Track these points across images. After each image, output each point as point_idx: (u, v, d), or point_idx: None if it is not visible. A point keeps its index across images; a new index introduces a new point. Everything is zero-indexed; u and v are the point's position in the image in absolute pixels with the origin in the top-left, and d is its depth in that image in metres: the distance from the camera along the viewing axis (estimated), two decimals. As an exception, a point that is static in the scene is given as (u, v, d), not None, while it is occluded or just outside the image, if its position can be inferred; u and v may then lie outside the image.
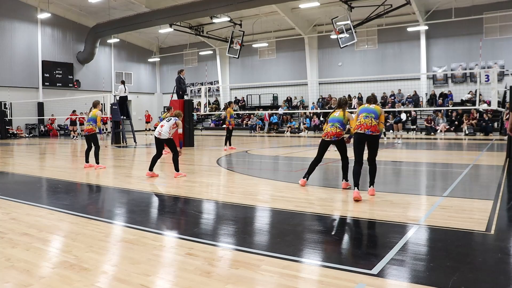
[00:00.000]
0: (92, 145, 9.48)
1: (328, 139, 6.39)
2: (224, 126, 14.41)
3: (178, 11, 22.06)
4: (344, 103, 6.56)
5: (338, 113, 6.45)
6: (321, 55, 27.18)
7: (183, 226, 4.62)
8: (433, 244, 3.80)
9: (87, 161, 9.56)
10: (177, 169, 7.98)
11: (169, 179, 7.84)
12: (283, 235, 4.12)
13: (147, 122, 25.77)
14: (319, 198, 5.90)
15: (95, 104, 9.67)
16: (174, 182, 7.47)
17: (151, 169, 8.01)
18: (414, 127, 21.74)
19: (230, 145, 13.90)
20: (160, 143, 8.01)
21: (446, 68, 23.09)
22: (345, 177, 6.50)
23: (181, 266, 3.27)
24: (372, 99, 6.14)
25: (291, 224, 4.56)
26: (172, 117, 8.08)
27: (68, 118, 24.07)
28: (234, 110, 28.86)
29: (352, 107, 23.16)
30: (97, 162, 9.42)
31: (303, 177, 6.74)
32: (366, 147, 5.92)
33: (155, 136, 8.06)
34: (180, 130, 8.03)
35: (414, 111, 21.77)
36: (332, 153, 6.58)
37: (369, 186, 5.93)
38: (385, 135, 19.65)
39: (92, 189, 7.16)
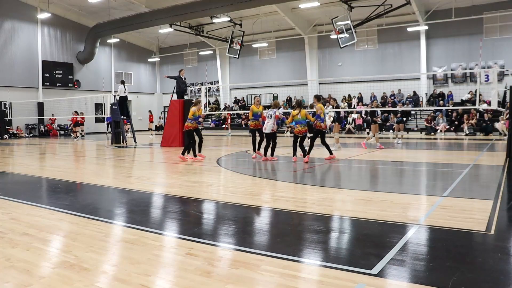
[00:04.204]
0: (196, 138, 10.26)
1: (301, 135, 9.83)
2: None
3: (178, 11, 22.08)
4: (301, 104, 9.90)
5: (300, 115, 9.54)
6: (321, 55, 27.18)
7: (183, 226, 4.61)
8: (433, 244, 3.80)
9: (195, 155, 10.26)
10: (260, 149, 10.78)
11: (169, 179, 7.83)
12: (283, 235, 4.12)
13: (151, 122, 25.62)
14: (319, 198, 5.90)
15: (196, 103, 10.34)
16: (174, 182, 7.48)
17: (265, 154, 10.23)
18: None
19: (259, 149, 10.98)
20: (268, 136, 10.23)
21: (446, 68, 23.09)
22: (306, 152, 9.81)
23: (181, 266, 3.27)
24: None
25: (291, 224, 4.56)
26: (271, 111, 10.10)
27: (73, 120, 23.84)
28: (234, 110, 28.93)
29: (352, 106, 23.23)
30: (195, 155, 10.22)
31: (304, 156, 9.63)
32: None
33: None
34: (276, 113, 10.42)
35: (402, 111, 21.48)
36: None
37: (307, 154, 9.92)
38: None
39: (92, 189, 7.16)
